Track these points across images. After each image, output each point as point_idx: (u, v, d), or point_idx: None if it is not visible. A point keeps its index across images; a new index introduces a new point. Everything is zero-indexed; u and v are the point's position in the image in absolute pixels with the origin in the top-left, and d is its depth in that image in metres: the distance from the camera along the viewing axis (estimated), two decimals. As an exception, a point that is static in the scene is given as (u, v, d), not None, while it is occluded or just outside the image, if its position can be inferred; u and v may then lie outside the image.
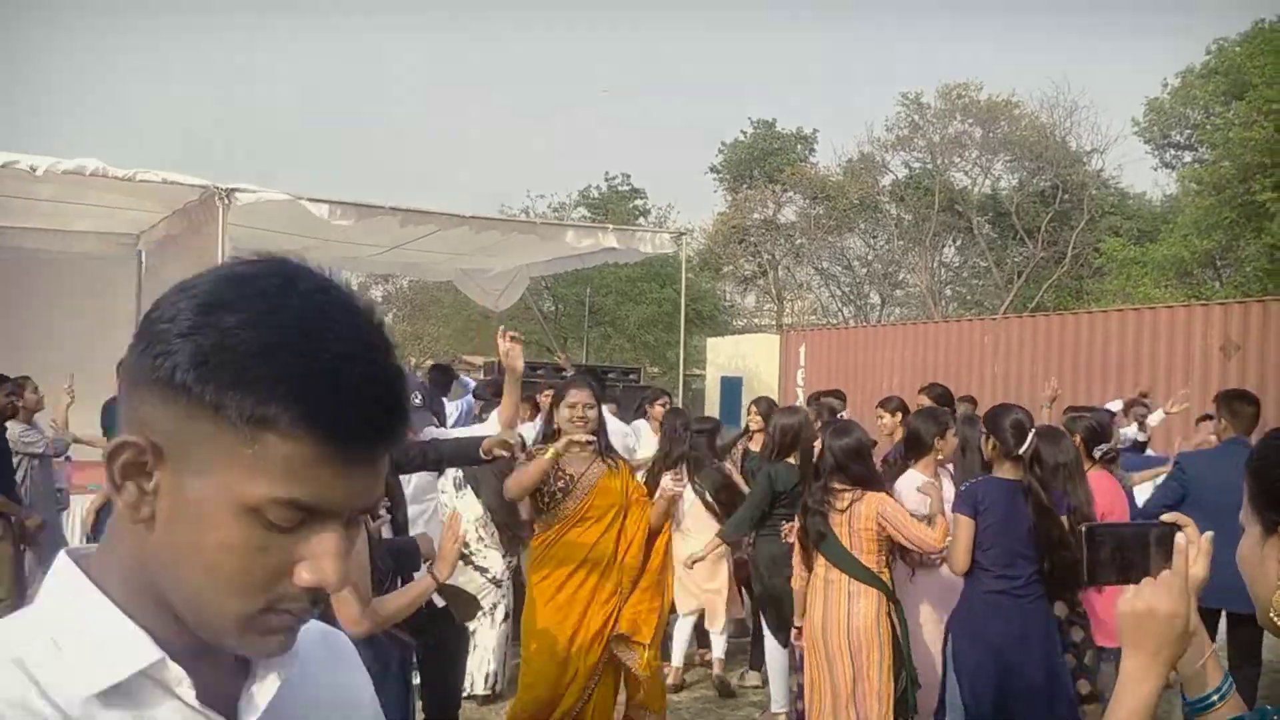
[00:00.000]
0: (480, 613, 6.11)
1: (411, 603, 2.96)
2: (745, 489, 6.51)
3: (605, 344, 31.62)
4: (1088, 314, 16.89)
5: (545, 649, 4.27)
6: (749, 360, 27.21)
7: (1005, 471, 4.37)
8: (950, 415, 5.55)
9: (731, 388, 25.75)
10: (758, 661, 6.61)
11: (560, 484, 4.35)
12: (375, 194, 11.94)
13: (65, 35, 67.78)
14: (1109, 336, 15.28)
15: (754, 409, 7.62)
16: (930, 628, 4.88)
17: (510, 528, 5.95)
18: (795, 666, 5.14)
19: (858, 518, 4.50)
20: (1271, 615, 1.27)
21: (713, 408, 31.07)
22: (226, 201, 10.06)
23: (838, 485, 4.56)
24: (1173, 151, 28.63)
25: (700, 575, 6.43)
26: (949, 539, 4.38)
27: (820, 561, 4.57)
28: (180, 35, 74.52)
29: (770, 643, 6.08)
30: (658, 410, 7.91)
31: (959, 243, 34.76)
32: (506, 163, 69.09)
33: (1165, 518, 1.47)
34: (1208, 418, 7.39)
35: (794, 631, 4.96)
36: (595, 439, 4.37)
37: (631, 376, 14.23)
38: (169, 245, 12.08)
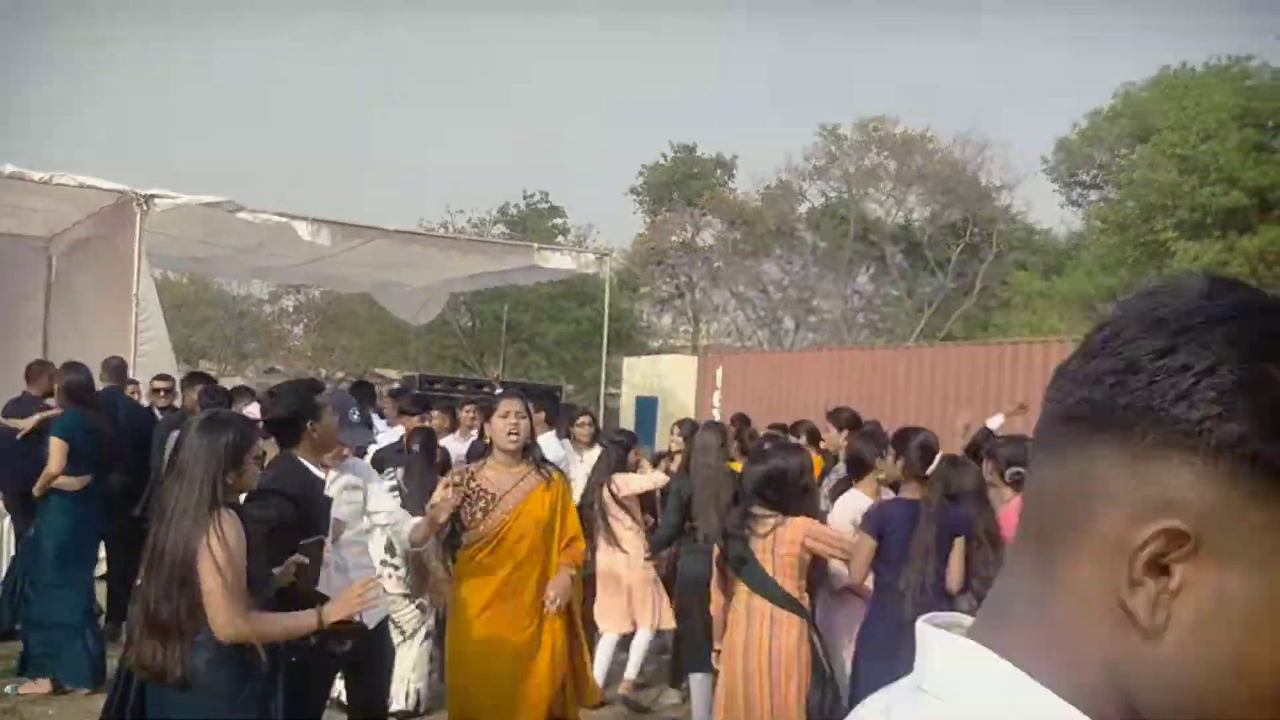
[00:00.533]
0: (400, 634, 6.08)
1: (285, 631, 2.93)
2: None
3: (522, 360, 31.51)
4: (998, 345, 17.33)
5: (465, 671, 4.23)
6: (665, 380, 27.31)
7: (911, 491, 4.50)
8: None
9: (647, 407, 25.84)
10: (677, 679, 6.65)
11: (480, 503, 4.26)
12: (291, 207, 11.88)
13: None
14: (1018, 366, 15.70)
15: (676, 429, 7.65)
16: (848, 652, 4.97)
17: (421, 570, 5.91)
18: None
19: (781, 543, 4.48)
20: None
21: (628, 426, 31.13)
22: (144, 207, 9.89)
23: (758, 511, 4.55)
24: (1079, 190, 29.55)
25: (635, 596, 6.49)
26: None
27: (741, 588, 4.55)
28: (94, 39, 72.63)
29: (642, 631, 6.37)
30: (579, 431, 7.92)
31: (872, 271, 35.38)
32: (424, 179, 68.59)
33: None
34: None
35: (713, 655, 5.00)
36: (527, 450, 4.36)
37: (555, 394, 14.23)
38: (80, 249, 11.81)
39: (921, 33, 61.98)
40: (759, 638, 4.48)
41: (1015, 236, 31.93)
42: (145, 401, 8.36)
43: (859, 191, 33.15)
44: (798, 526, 4.52)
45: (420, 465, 5.97)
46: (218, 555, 2.77)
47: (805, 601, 4.56)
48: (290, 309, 38.26)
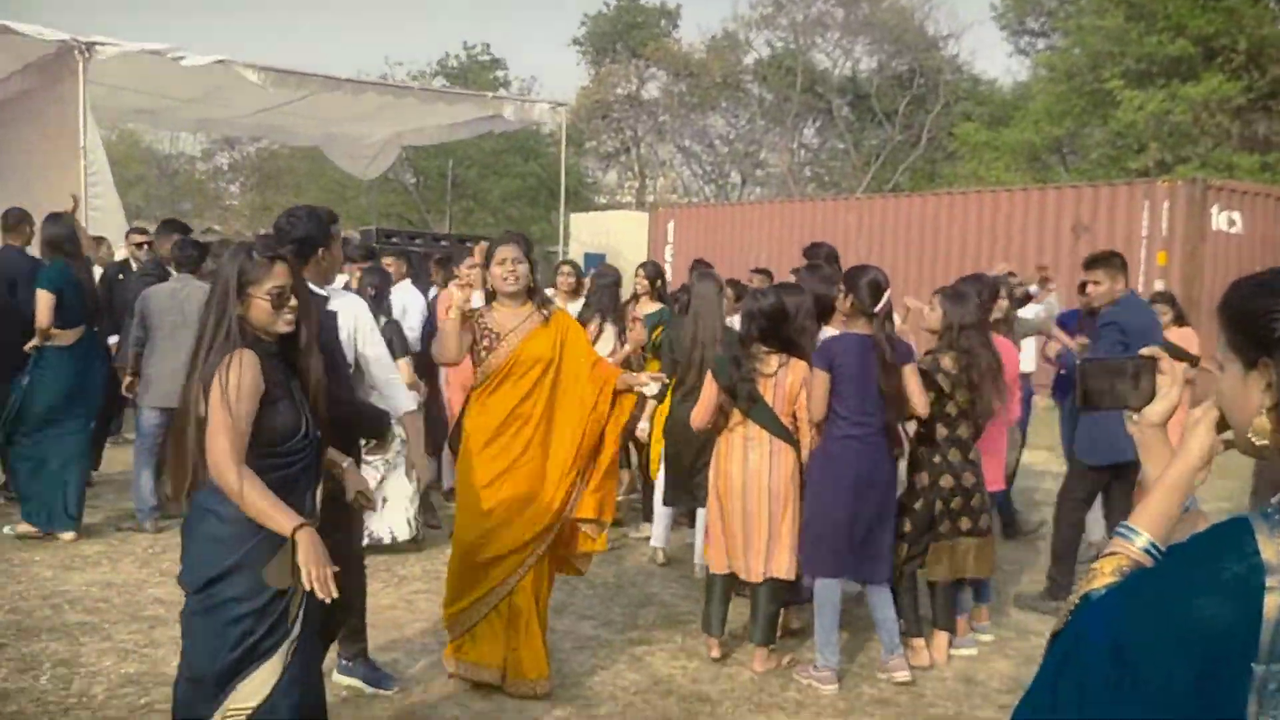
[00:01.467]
0: (385, 461, 6.21)
1: (258, 514, 2.73)
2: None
3: (468, 217, 31.20)
4: (948, 195, 17.48)
5: (473, 502, 4.34)
6: (612, 236, 27.23)
7: (859, 327, 4.68)
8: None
9: (594, 263, 25.83)
10: (650, 513, 6.89)
11: (485, 342, 4.39)
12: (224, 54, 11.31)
13: None
14: (966, 216, 15.89)
15: (640, 272, 7.72)
16: None
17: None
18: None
19: (783, 384, 4.68)
20: (1250, 437, 1.45)
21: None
22: (86, 55, 9.57)
23: (762, 350, 4.71)
24: (1027, 38, 29.41)
25: None
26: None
27: (738, 419, 4.72)
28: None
29: (658, 490, 6.50)
30: (562, 281, 7.95)
31: (818, 124, 35.19)
32: (359, 29, 66.28)
33: (1142, 352, 1.70)
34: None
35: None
36: (529, 293, 4.44)
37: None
38: (21, 102, 11.40)
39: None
40: (758, 469, 4.68)
41: (962, 87, 31.84)
42: (121, 255, 8.23)
43: (806, 42, 32.74)
44: (799, 369, 4.70)
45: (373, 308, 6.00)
46: (220, 392, 2.73)
47: (797, 435, 4.76)
48: (225, 166, 37.35)
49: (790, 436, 4.72)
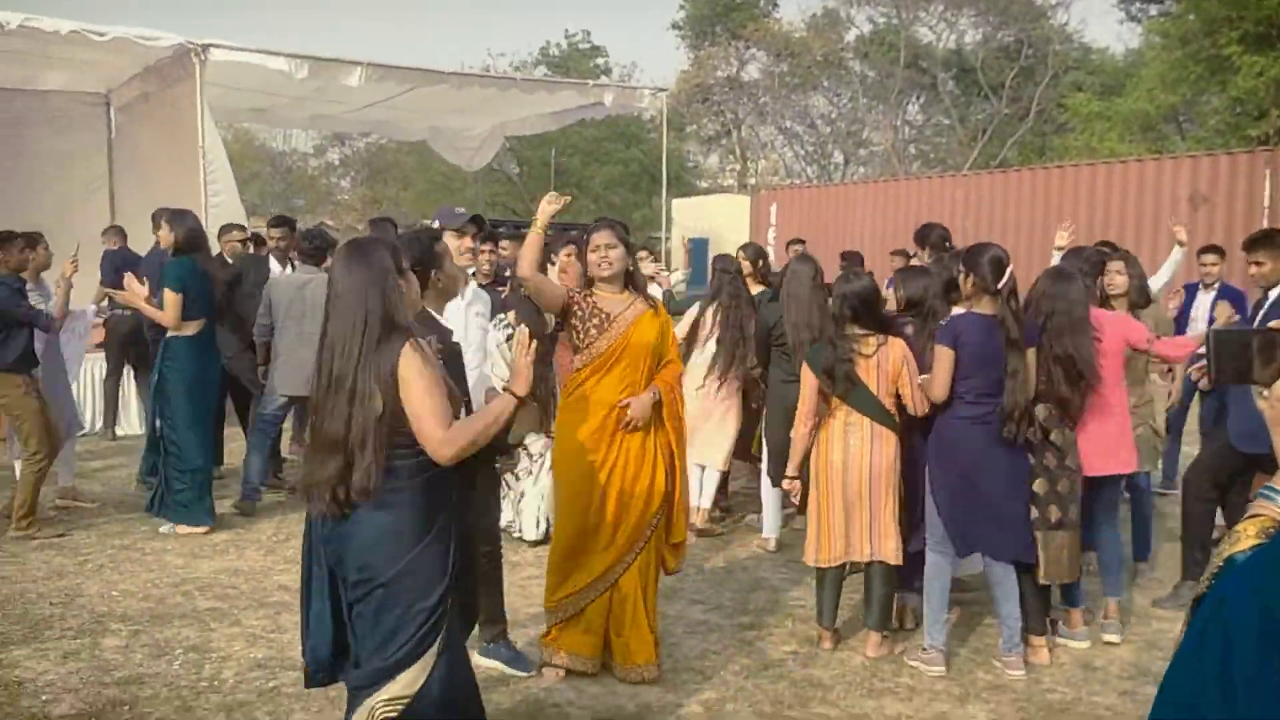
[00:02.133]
0: (529, 458, 6.32)
1: (494, 421, 2.84)
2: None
3: (571, 205, 31.31)
4: (1058, 168, 17.03)
5: (579, 491, 4.33)
6: (714, 221, 27.17)
7: (983, 307, 4.55)
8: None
9: (697, 248, 25.80)
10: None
11: (595, 321, 4.32)
12: (333, 53, 11.71)
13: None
14: (1079, 190, 15.49)
15: (742, 254, 7.72)
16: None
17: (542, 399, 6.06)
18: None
19: (885, 361, 4.61)
20: None
21: (678, 267, 31.12)
22: (202, 58, 9.87)
23: (858, 331, 4.65)
24: (1139, 4, 28.43)
25: (723, 427, 6.71)
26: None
27: (839, 408, 4.66)
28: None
29: (765, 477, 6.48)
30: (646, 266, 8.01)
31: (922, 100, 34.60)
32: (462, 22, 67.13)
33: (1271, 324, 1.65)
34: (1212, 249, 7.66)
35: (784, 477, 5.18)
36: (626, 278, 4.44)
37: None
38: (140, 104, 11.84)
39: None
40: (859, 453, 4.63)
41: (1071, 57, 30.98)
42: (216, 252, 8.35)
43: (908, 16, 32.17)
44: (898, 346, 4.64)
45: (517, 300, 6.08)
46: (422, 377, 2.78)
47: (897, 417, 4.69)
48: (336, 162, 38.26)
49: (892, 420, 4.64)
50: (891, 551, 4.66)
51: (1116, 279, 5.58)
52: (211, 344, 6.82)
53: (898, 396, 4.67)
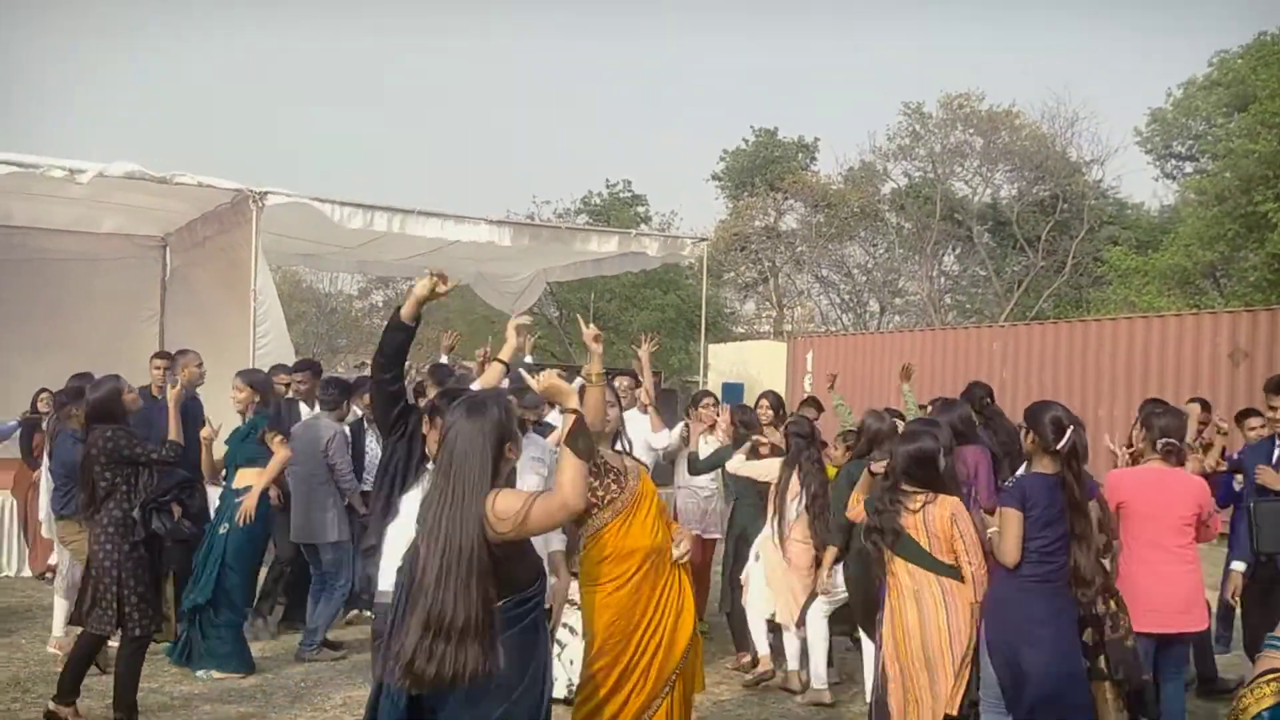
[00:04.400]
0: (571, 634, 6.16)
1: (574, 457, 2.90)
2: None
3: (609, 349, 31.70)
4: (1096, 322, 17.07)
5: (607, 645, 4.26)
6: (750, 366, 27.35)
7: (1044, 466, 4.55)
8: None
9: (733, 393, 25.88)
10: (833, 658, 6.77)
11: (611, 477, 4.32)
12: (382, 201, 12.11)
13: (71, 34, 67.63)
14: (1117, 343, 15.47)
15: (764, 401, 7.79)
16: None
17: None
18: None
19: (932, 519, 4.57)
20: None
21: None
22: (259, 204, 10.18)
23: (908, 487, 4.65)
24: (1174, 162, 28.91)
25: (800, 581, 6.61)
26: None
27: (903, 568, 4.62)
28: (180, 35, 74.44)
29: (812, 627, 6.41)
30: (703, 413, 8.01)
31: (958, 251, 34.97)
32: (508, 169, 69.22)
33: None
34: (1248, 413, 7.52)
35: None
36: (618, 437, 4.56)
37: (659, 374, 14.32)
38: (197, 247, 12.20)
39: (1006, 4, 60.86)
40: (933, 611, 4.55)
41: (1107, 212, 31.30)
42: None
43: (944, 170, 32.78)
44: (947, 504, 4.59)
45: None
46: (520, 497, 2.86)
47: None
48: (379, 304, 38.96)
49: (952, 571, 4.56)
50: (955, 705, 4.54)
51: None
52: (267, 497, 6.90)
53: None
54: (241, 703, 6.10)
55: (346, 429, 7.52)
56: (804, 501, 6.56)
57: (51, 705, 5.41)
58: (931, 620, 4.54)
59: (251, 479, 6.69)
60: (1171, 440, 5.10)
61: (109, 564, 5.36)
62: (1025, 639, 4.42)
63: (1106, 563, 4.74)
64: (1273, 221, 20.40)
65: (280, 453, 6.73)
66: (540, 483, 4.87)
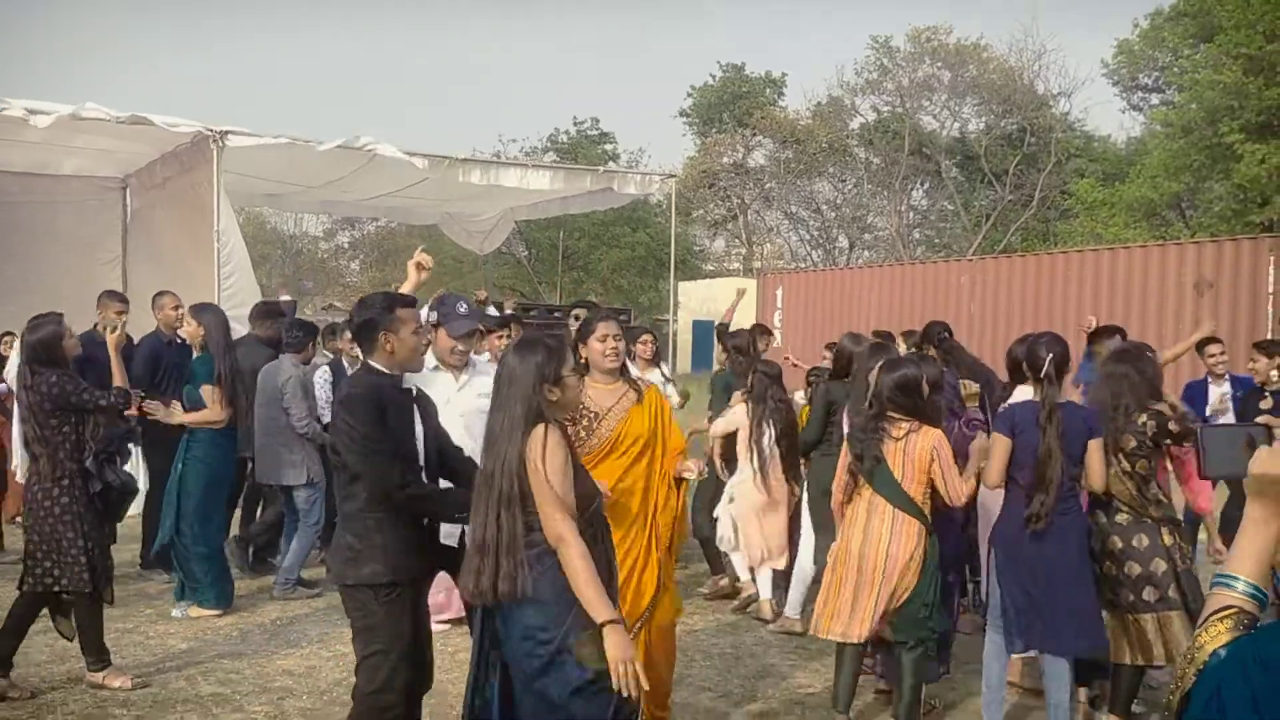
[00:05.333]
0: None
1: (587, 592, 2.98)
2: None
3: (578, 288, 31.67)
4: (1063, 254, 17.18)
5: None
6: (720, 304, 27.34)
7: (1034, 392, 4.67)
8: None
9: (704, 331, 25.93)
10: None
11: (584, 422, 4.29)
12: (344, 139, 11.79)
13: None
14: (1084, 276, 15.59)
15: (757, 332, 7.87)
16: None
17: None
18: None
19: (913, 448, 4.63)
20: None
21: (685, 350, 31.27)
22: (220, 144, 10.01)
23: (893, 415, 4.70)
24: (1140, 94, 28.94)
25: (774, 525, 6.67)
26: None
27: (864, 489, 4.71)
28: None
29: (802, 556, 6.48)
30: (640, 348, 8.02)
31: (926, 186, 35.03)
32: (474, 109, 68.42)
33: (1258, 420, 1.71)
34: (1215, 340, 7.64)
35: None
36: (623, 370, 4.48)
37: (623, 318, 14.34)
38: (158, 189, 12.00)
39: (972, -63, 60.32)
40: (877, 536, 4.63)
41: (1073, 145, 31.41)
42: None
43: (912, 105, 32.71)
44: (930, 435, 4.65)
45: None
46: (551, 460, 2.94)
47: (926, 508, 4.68)
48: (346, 245, 38.67)
49: (915, 509, 4.62)
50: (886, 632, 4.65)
51: None
52: (233, 434, 6.83)
53: (932, 488, 4.68)
54: (219, 641, 6.12)
55: (302, 372, 7.41)
56: (771, 438, 6.60)
57: None
58: (873, 542, 4.63)
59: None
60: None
61: (69, 518, 5.05)
62: (1033, 572, 4.52)
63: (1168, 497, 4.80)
64: (1238, 152, 20.53)
65: (208, 411, 6.48)
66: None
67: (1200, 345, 7.69)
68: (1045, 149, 30.27)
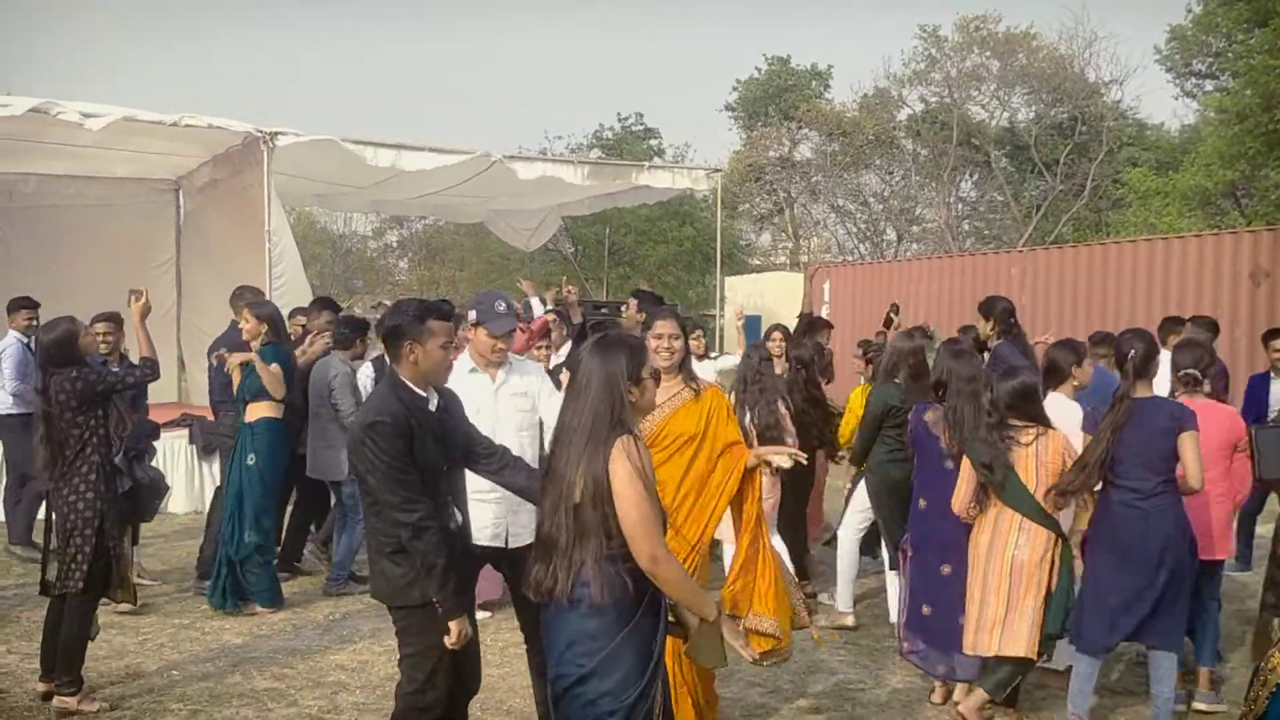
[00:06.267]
0: None
1: (684, 593, 2.98)
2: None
3: (624, 284, 31.63)
4: (1115, 244, 16.90)
5: None
6: (766, 298, 27.22)
7: (1140, 391, 4.67)
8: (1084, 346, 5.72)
9: (750, 325, 25.79)
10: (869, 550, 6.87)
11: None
12: (393, 139, 11.93)
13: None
14: (1137, 266, 15.32)
15: (777, 334, 7.78)
16: None
17: None
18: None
19: (1045, 453, 4.67)
20: None
21: (732, 345, 31.16)
22: (270, 145, 10.14)
23: (1016, 422, 4.71)
24: (1194, 80, 28.36)
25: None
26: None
27: (995, 502, 4.70)
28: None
29: (843, 546, 6.50)
30: (693, 344, 8.05)
31: (975, 177, 34.60)
32: (519, 106, 68.65)
33: None
34: (1274, 334, 7.47)
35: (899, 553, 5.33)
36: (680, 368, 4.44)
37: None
38: (209, 190, 12.19)
39: (1020, -75, 59.49)
40: (1004, 545, 4.66)
41: (1125, 133, 30.87)
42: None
43: (961, 95, 32.31)
44: (1057, 439, 4.70)
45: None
46: (638, 481, 2.84)
47: (1056, 515, 4.69)
48: (394, 244, 38.95)
49: (1046, 517, 4.65)
50: (1023, 644, 4.61)
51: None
52: (286, 427, 6.93)
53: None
54: (273, 637, 6.20)
55: (350, 368, 7.48)
56: (750, 421, 6.44)
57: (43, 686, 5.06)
58: (999, 550, 4.66)
59: (262, 411, 6.70)
60: (1191, 371, 5.17)
61: (90, 514, 4.93)
62: (1124, 565, 4.56)
63: None
64: (1294, 139, 20.09)
65: (268, 374, 6.59)
66: (521, 421, 4.74)
67: (1265, 339, 7.54)
68: (1097, 138, 29.78)
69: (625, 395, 2.95)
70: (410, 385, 3.67)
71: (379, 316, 7.65)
